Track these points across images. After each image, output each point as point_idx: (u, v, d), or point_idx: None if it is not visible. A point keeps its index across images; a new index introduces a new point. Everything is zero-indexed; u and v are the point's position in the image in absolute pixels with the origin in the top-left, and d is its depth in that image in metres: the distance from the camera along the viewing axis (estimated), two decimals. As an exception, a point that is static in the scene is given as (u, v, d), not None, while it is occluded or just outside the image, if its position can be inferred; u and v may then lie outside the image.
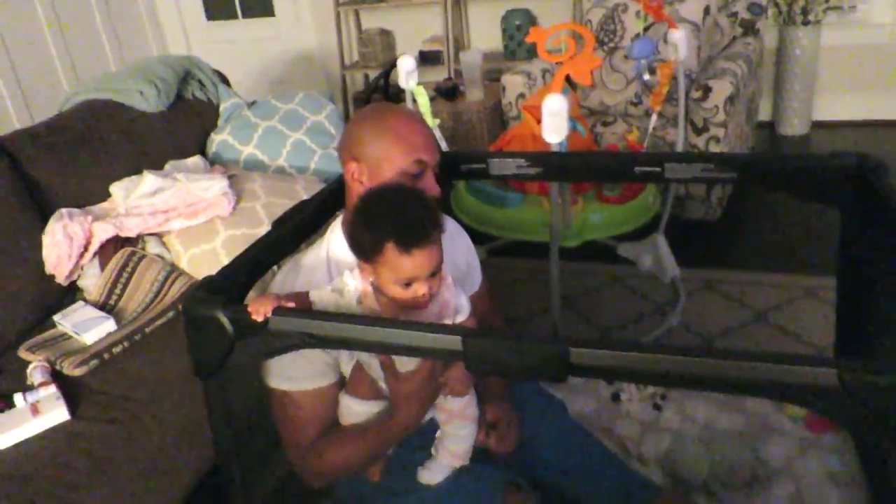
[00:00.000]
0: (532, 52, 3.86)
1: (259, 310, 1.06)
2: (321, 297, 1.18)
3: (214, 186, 2.09)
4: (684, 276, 2.43)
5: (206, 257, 2.03)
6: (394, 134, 1.26)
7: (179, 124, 2.52)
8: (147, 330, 1.81)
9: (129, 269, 1.96)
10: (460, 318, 1.20)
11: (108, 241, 1.99)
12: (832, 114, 4.03)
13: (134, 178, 2.17)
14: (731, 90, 2.77)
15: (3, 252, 1.88)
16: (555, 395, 1.54)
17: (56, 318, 1.86)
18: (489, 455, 1.36)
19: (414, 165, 1.26)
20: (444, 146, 2.12)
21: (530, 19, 4.05)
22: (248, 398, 1.37)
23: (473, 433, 1.31)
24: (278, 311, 1.06)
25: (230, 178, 2.21)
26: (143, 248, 2.04)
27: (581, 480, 1.41)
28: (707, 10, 3.14)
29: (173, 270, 1.99)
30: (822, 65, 3.90)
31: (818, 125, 4.02)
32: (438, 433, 1.31)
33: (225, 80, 2.81)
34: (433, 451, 1.31)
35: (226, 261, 1.28)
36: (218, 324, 1.09)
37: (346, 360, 1.28)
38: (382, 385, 1.25)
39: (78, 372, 1.67)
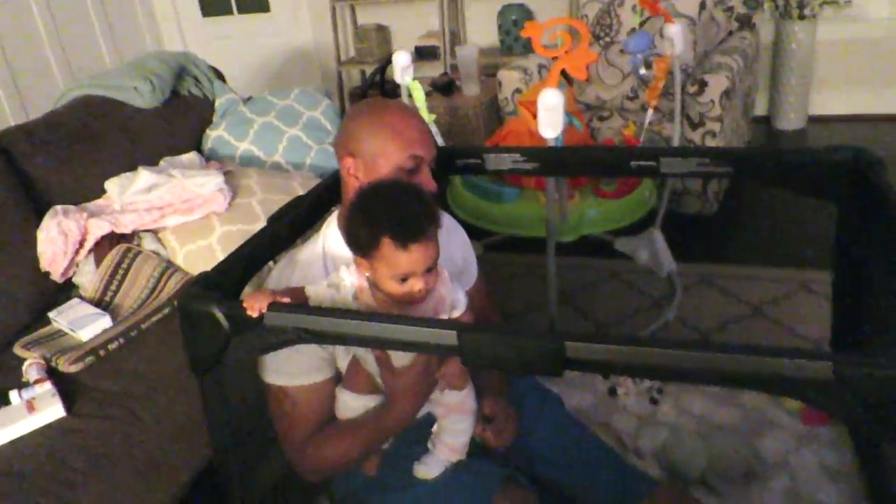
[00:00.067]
0: (528, 48, 3.85)
1: (254, 305, 1.06)
2: (317, 292, 1.18)
3: (210, 182, 2.08)
4: (681, 270, 2.44)
5: (201, 253, 2.02)
6: (390, 129, 1.26)
7: (175, 120, 2.51)
8: (143, 326, 1.80)
9: (124, 266, 1.96)
10: (457, 314, 1.20)
11: (104, 238, 1.99)
12: (829, 108, 4.03)
13: (129, 174, 2.16)
14: (727, 84, 2.77)
15: (-2, 249, 1.87)
16: (551, 390, 1.55)
17: (51, 315, 1.85)
18: (486, 450, 1.36)
19: (410, 161, 1.26)
20: (440, 141, 2.11)
21: (526, 14, 4.04)
22: (244, 394, 1.37)
23: (471, 427, 1.31)
24: (273, 306, 1.06)
25: (226, 174, 2.21)
26: (139, 245, 2.03)
27: (578, 475, 1.41)
28: (703, 5, 3.14)
29: (169, 267, 1.98)
30: (818, 59, 3.90)
31: (814, 120, 4.03)
32: (435, 427, 1.31)
33: (220, 76, 2.81)
34: (430, 445, 1.31)
35: (222, 257, 1.28)
36: (213, 319, 1.09)
37: (343, 356, 1.28)
38: (379, 380, 1.25)
39: (74, 369, 1.67)
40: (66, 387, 1.61)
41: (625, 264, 2.61)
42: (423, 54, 4.24)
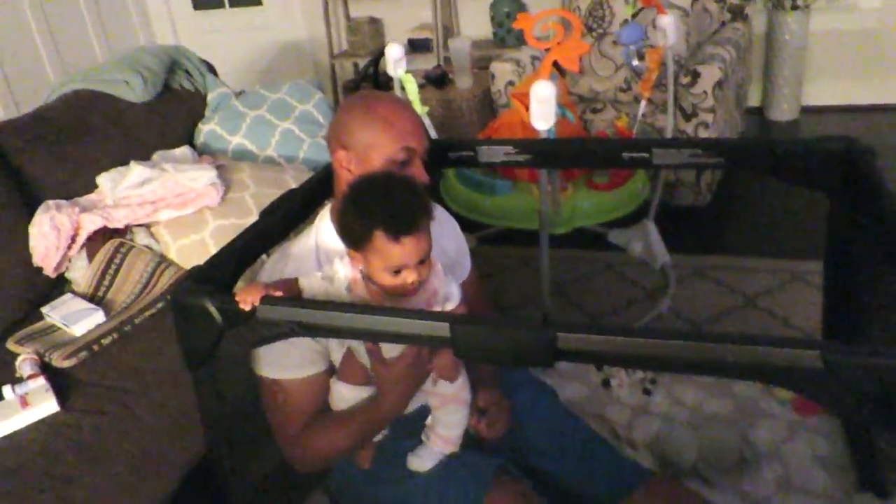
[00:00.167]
0: (521, 40, 3.84)
1: (247, 299, 1.06)
2: (311, 283, 1.18)
3: (203, 177, 2.08)
4: (674, 262, 2.44)
5: (194, 248, 2.02)
6: (381, 121, 1.26)
7: (167, 114, 2.50)
8: (136, 321, 1.80)
9: (117, 261, 1.95)
10: (451, 306, 1.21)
11: (96, 233, 1.98)
12: (821, 99, 4.04)
13: (121, 168, 2.15)
14: (719, 75, 2.77)
15: (-10, 244, 1.87)
16: (545, 382, 1.55)
17: (44, 310, 1.85)
18: (480, 442, 1.36)
19: (402, 153, 1.26)
20: (433, 134, 2.11)
21: (519, 6, 4.03)
22: (238, 387, 1.37)
23: (465, 419, 1.31)
24: (266, 299, 1.06)
25: (219, 168, 2.20)
26: (132, 240, 2.03)
27: (572, 466, 1.41)
28: (696, -4, 3.14)
29: (162, 261, 1.98)
30: (811, 50, 3.90)
31: (807, 110, 4.03)
32: (429, 419, 1.32)
33: (212, 70, 2.79)
34: (423, 437, 1.31)
35: (215, 251, 1.28)
36: (206, 313, 1.09)
37: (337, 349, 1.29)
38: (372, 372, 1.26)
39: (67, 364, 1.67)
40: (59, 382, 1.61)
41: (618, 256, 2.61)
42: (415, 47, 4.23)
